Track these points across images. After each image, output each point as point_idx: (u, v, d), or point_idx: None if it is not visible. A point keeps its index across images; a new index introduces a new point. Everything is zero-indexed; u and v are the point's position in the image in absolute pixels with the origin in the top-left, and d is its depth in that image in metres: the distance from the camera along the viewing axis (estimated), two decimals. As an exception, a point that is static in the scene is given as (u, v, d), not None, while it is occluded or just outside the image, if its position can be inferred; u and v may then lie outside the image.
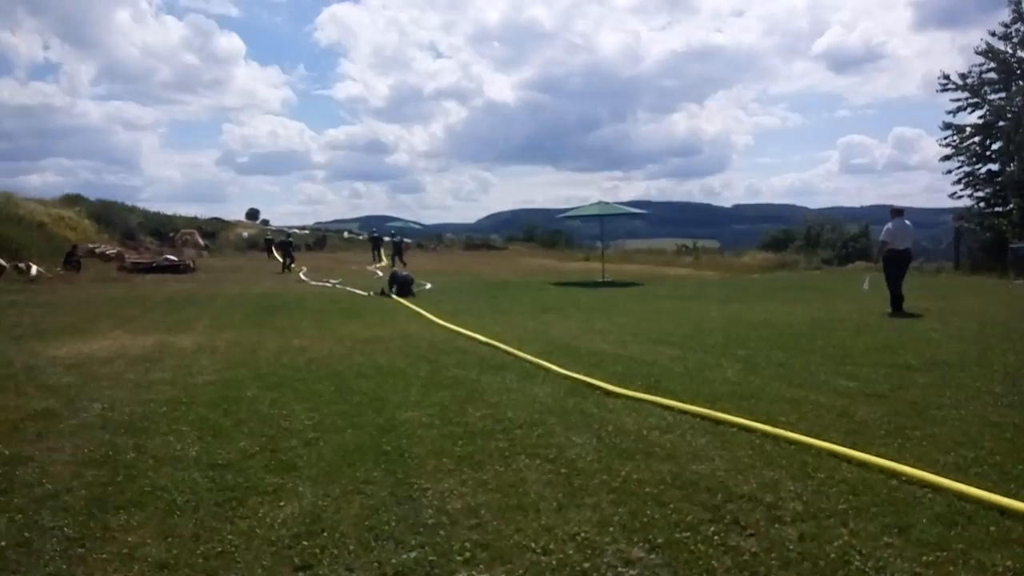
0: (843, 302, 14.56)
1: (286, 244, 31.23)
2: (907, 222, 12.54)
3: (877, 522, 3.44)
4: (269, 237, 40.43)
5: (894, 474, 4.05)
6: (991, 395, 6.01)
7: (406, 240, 38.18)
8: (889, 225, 12.44)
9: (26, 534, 3.42)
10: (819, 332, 9.94)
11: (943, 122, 27.78)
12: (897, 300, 12.05)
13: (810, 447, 4.58)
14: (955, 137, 27.49)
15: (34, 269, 18.67)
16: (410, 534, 3.37)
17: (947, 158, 27.86)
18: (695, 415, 5.43)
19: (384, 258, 35.39)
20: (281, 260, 29.36)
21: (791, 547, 3.19)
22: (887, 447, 4.59)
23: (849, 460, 4.31)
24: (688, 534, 3.33)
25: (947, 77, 27.25)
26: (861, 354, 8.10)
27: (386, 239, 37.97)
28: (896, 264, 12.26)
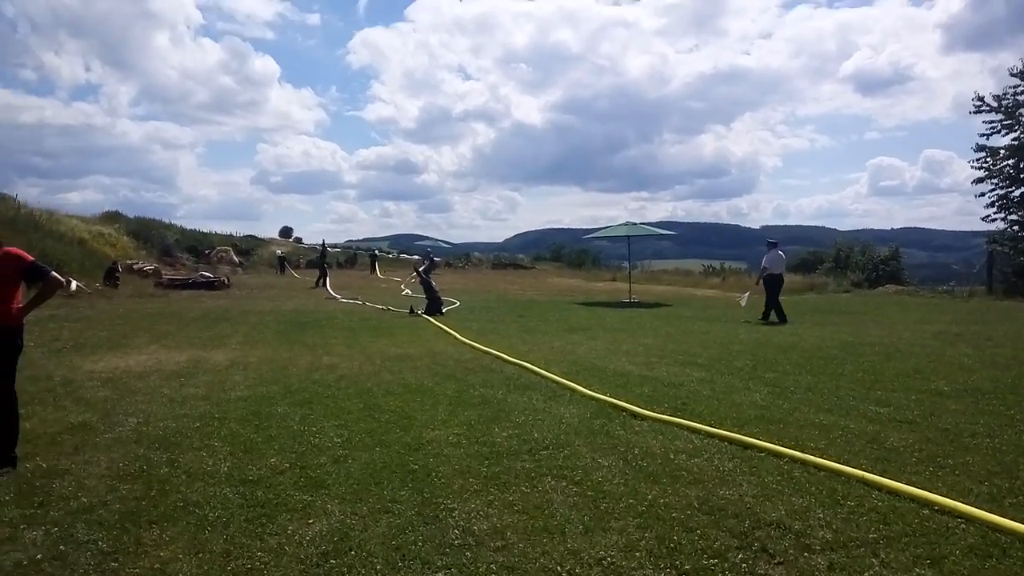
0: (873, 326, 14.35)
1: (321, 257, 32.78)
2: (780, 253, 16.06)
3: (908, 552, 3.40)
4: (280, 254, 41.68)
5: (926, 503, 4.00)
6: (1027, 424, 5.89)
7: (434, 257, 39.81)
8: (768, 254, 15.82)
9: (61, 547, 3.51)
10: (849, 356, 9.82)
11: (976, 144, 27.39)
12: (779, 311, 15.21)
13: (840, 474, 4.53)
14: (988, 159, 27.07)
15: (74, 284, 19.07)
16: (436, 554, 3.40)
17: (980, 180, 27.43)
18: (722, 439, 5.41)
19: (379, 273, 38.91)
20: (317, 277, 30.02)
21: (820, 576, 3.16)
22: (919, 475, 4.53)
23: (880, 488, 4.26)
24: (715, 561, 3.32)
25: (981, 99, 26.89)
26: (891, 379, 7.99)
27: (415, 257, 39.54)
28: (774, 284, 15.56)
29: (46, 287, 4.76)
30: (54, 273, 4.79)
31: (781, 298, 15.55)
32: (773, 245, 16.01)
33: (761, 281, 15.92)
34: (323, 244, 39.99)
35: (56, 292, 4.95)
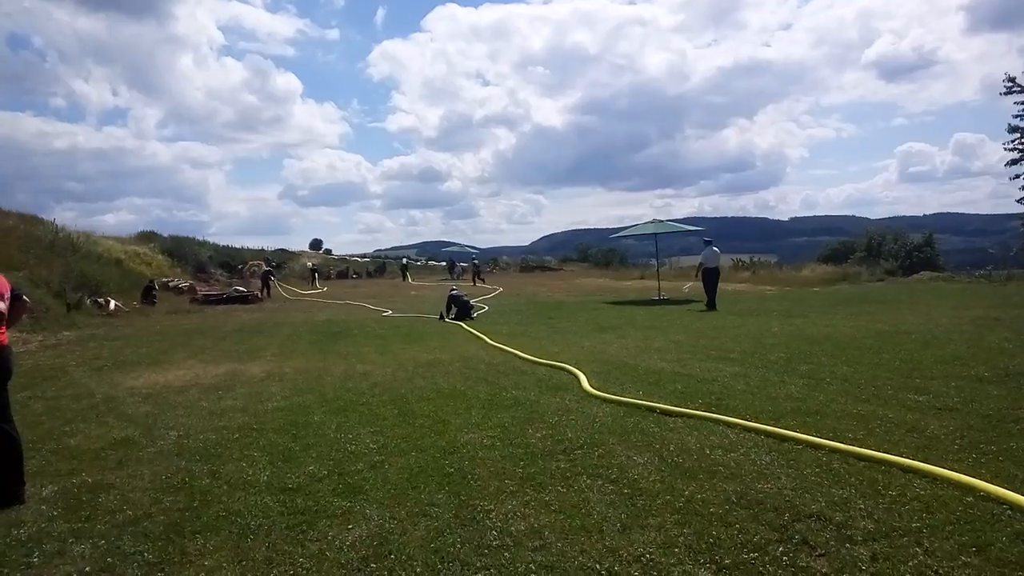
0: (909, 314, 14.09)
1: (267, 272, 32.48)
2: (716, 249, 18.36)
3: (953, 541, 3.35)
4: (312, 266, 41.81)
5: (970, 490, 3.93)
6: (1073, 407, 5.75)
7: (460, 263, 40.26)
8: (705, 251, 18.20)
9: (109, 559, 3.59)
10: (885, 345, 9.66)
11: (1009, 125, 26.90)
12: (712, 301, 17.34)
13: (880, 463, 4.47)
14: (1022, 141, 26.55)
15: (112, 304, 19.49)
16: (475, 556, 3.42)
17: (1014, 162, 26.92)
18: (759, 433, 5.36)
19: (409, 277, 42.61)
20: (264, 288, 30.05)
21: (864, 567, 3.12)
22: (961, 463, 4.45)
23: (922, 475, 4.20)
24: (756, 555, 3.29)
25: (1012, 79, 26.37)
26: (930, 367, 7.85)
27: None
28: (710, 277, 17.92)
29: (20, 308, 4.73)
30: (25, 296, 4.75)
31: (720, 285, 18.06)
32: (708, 243, 18.29)
33: (699, 274, 18.31)
34: (268, 261, 39.42)
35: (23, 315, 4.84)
